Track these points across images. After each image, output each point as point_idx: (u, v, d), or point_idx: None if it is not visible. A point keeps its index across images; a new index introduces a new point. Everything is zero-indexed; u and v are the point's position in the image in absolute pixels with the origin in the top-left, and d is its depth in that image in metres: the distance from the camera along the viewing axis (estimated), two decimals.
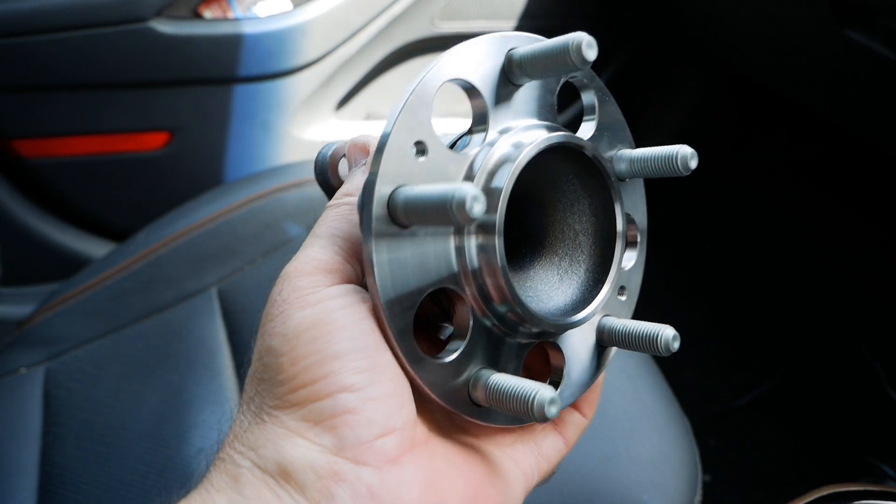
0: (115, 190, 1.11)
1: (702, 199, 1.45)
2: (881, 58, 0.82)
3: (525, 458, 0.33)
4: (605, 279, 0.34)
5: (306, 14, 1.04)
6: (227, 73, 1.03)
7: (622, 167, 0.36)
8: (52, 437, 0.68)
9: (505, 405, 0.29)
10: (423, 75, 0.30)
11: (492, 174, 0.31)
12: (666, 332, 0.33)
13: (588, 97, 0.36)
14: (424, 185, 0.28)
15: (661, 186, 0.64)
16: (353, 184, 0.34)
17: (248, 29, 1.02)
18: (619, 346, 0.36)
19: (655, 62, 1.38)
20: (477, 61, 0.31)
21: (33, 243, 1.09)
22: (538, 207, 0.36)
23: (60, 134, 1.05)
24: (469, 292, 0.31)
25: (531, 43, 0.32)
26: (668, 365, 0.73)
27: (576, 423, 0.37)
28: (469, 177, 0.31)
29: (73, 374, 0.73)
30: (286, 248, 0.78)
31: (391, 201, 0.28)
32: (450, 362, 0.31)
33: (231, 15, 1.06)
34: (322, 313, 0.28)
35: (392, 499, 0.26)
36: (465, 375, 0.31)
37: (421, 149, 0.30)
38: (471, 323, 0.31)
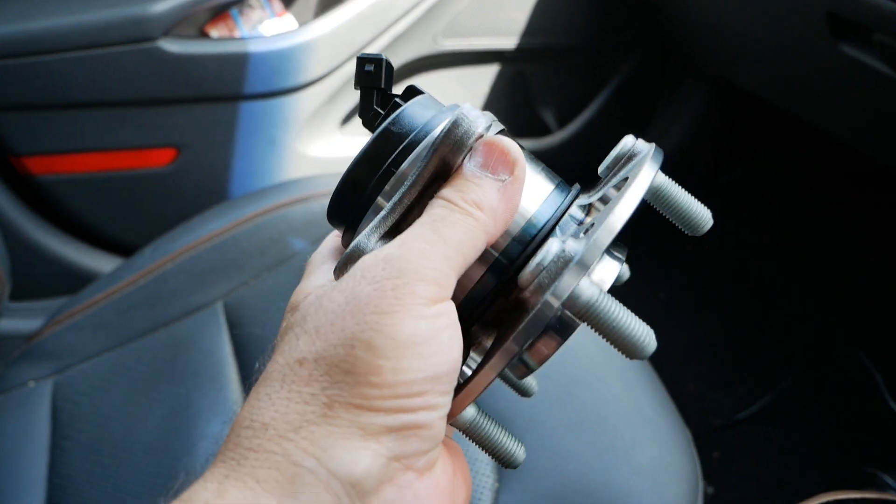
0: (122, 206, 1.12)
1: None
2: (876, 72, 0.84)
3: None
4: None
5: (311, 33, 1.06)
6: (234, 90, 1.05)
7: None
8: (60, 450, 0.69)
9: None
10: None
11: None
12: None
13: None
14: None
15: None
16: (487, 197, 0.31)
17: (254, 48, 1.03)
18: None
19: (660, 73, 1.39)
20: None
21: (42, 258, 1.11)
22: None
23: (69, 151, 1.07)
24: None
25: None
26: (670, 377, 0.74)
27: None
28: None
29: (81, 387, 0.74)
30: (291, 262, 0.79)
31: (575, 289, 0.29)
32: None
33: (237, 34, 1.08)
34: (433, 331, 0.28)
35: (428, 500, 0.29)
36: None
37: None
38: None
